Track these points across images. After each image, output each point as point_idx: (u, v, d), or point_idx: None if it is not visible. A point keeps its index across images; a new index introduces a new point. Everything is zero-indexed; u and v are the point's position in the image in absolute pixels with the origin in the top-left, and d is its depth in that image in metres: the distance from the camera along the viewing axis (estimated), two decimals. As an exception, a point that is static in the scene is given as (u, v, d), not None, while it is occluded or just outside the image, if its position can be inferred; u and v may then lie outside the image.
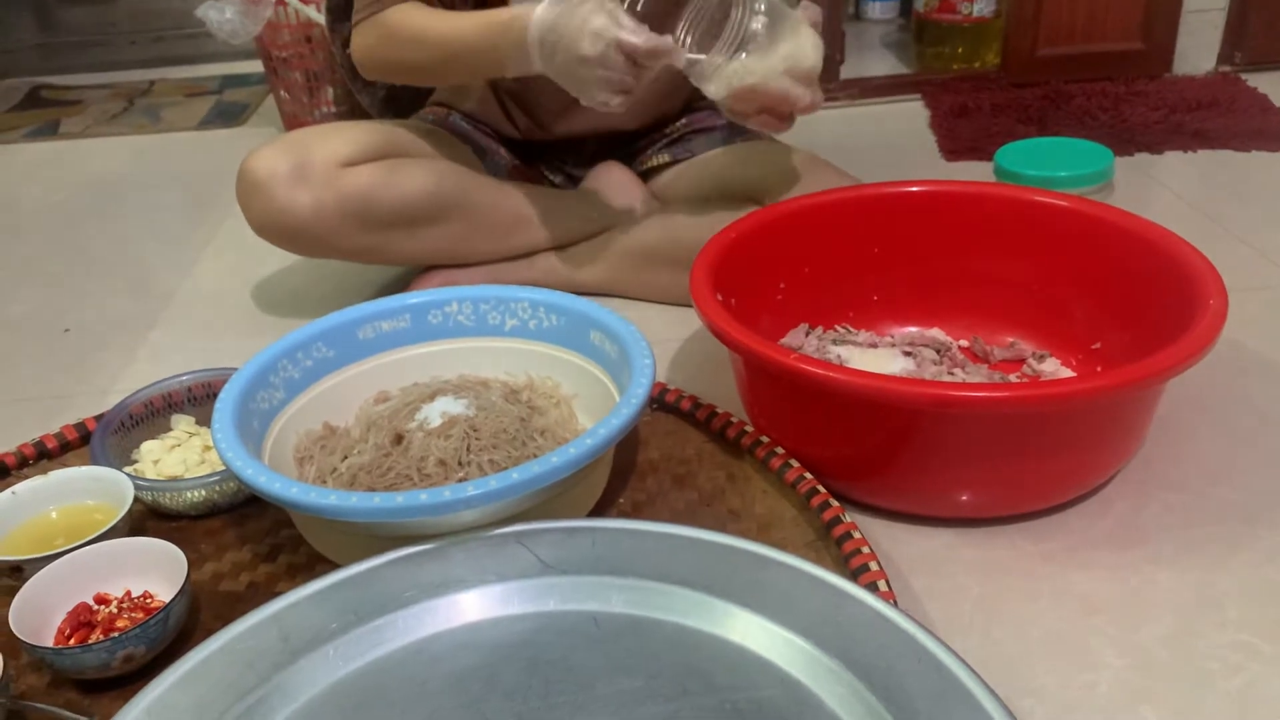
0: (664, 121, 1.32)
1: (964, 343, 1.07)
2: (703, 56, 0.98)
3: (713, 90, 1.00)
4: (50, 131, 2.07)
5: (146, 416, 0.96)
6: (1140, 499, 0.88)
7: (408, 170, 1.16)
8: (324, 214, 1.13)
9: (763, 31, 0.96)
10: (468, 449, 0.84)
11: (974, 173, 1.53)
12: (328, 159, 1.13)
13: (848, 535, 0.79)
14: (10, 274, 1.48)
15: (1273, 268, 1.25)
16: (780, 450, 0.89)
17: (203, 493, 0.87)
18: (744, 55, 0.96)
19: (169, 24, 2.38)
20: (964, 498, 0.85)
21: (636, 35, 0.92)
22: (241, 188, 1.15)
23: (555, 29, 0.95)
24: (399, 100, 1.38)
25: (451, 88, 1.32)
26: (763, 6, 0.96)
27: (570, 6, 0.94)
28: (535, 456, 0.80)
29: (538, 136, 1.31)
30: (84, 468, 0.87)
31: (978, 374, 1.01)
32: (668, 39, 0.94)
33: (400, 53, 1.11)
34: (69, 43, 2.44)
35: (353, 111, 1.83)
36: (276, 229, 1.15)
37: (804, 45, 0.98)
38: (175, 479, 0.88)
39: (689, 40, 0.97)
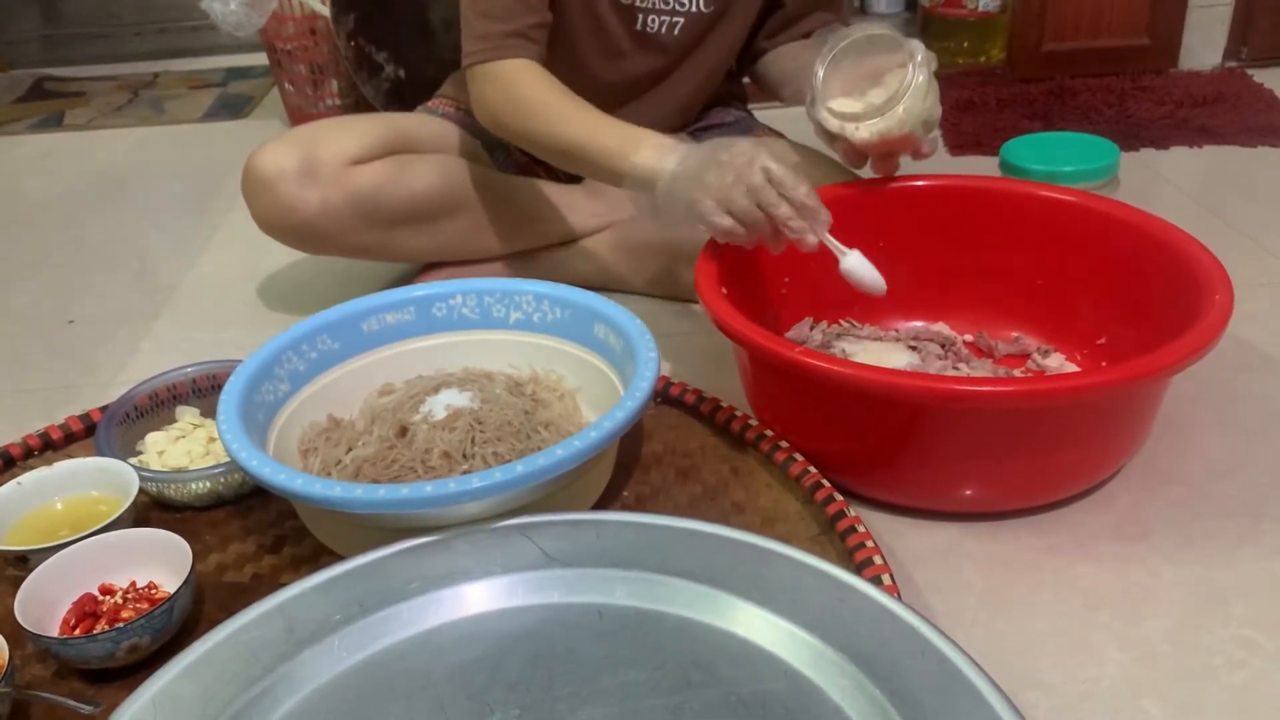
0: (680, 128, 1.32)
1: (969, 337, 1.07)
2: (861, 108, 0.96)
3: (864, 136, 0.97)
4: (55, 123, 2.07)
5: (151, 408, 0.97)
6: (1144, 494, 0.88)
7: (416, 167, 1.15)
8: (332, 212, 1.12)
9: (925, 83, 0.93)
10: (472, 442, 0.84)
11: (979, 167, 1.53)
12: (335, 156, 1.11)
13: (852, 529, 0.79)
14: (15, 265, 1.48)
15: (1277, 263, 1.25)
16: (784, 444, 0.89)
17: (207, 484, 0.87)
18: (901, 108, 0.94)
19: (173, 16, 2.38)
20: (968, 492, 0.85)
21: (798, 187, 0.88)
22: (248, 185, 1.14)
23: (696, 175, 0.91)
24: (404, 93, 1.37)
25: (457, 82, 1.31)
26: (921, 58, 0.93)
27: (721, 150, 0.90)
28: (539, 449, 0.80)
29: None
30: (89, 459, 0.87)
31: (982, 369, 1.01)
32: (825, 212, 0.90)
33: (530, 126, 1.04)
34: (73, 34, 2.43)
35: (357, 104, 1.83)
36: (284, 227, 1.14)
37: (935, 96, 0.96)
38: (180, 470, 0.89)
39: (824, 80, 0.96)
